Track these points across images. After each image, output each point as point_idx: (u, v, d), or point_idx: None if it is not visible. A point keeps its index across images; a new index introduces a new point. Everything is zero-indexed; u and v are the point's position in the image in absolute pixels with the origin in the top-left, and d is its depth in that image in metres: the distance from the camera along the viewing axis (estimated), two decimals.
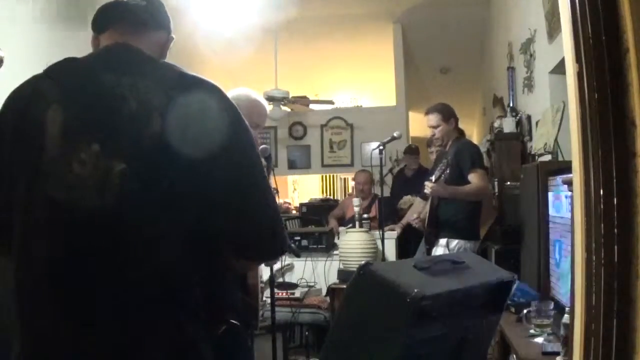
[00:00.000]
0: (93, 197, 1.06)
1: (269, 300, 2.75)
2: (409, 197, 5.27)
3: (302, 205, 7.30)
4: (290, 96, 6.53)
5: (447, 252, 3.33)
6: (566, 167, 1.68)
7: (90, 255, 1.06)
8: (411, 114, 8.24)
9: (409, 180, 5.82)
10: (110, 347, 1.06)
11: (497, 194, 4.14)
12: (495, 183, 4.16)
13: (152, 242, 1.07)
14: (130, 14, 1.22)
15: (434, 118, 3.54)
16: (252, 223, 1.15)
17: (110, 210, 1.05)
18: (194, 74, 1.19)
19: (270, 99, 6.36)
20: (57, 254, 1.07)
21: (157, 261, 1.07)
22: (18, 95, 1.17)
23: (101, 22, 1.24)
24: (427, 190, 3.34)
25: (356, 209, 4.25)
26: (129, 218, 1.06)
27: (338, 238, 4.44)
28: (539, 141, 3.60)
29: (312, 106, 7.34)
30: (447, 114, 3.53)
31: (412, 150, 5.99)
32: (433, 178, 3.29)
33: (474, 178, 3.32)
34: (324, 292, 4.15)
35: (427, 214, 3.53)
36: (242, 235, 1.15)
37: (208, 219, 1.10)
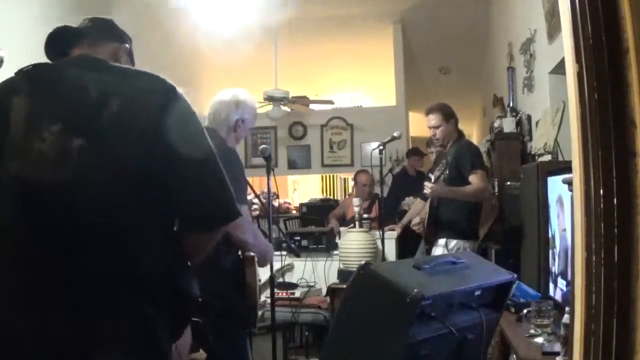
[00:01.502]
0: (52, 169, 1.16)
1: (269, 300, 2.75)
2: (411, 198, 5.27)
3: (302, 205, 7.31)
4: (290, 96, 6.53)
5: (446, 252, 3.33)
6: (566, 167, 1.68)
7: (51, 226, 1.15)
8: (411, 114, 8.24)
9: (411, 180, 5.84)
10: (71, 328, 1.12)
11: (497, 194, 4.14)
12: (495, 183, 4.16)
13: (109, 212, 1.16)
14: (81, 35, 1.39)
15: (434, 118, 3.53)
16: (200, 192, 1.26)
17: (69, 182, 1.15)
18: (146, 70, 1.33)
19: (270, 99, 6.36)
20: (20, 227, 1.16)
21: (114, 233, 1.16)
22: None
23: (58, 48, 1.39)
24: (426, 191, 3.34)
25: (356, 209, 4.25)
26: (87, 189, 1.15)
27: (339, 238, 4.44)
28: (539, 141, 3.60)
29: (312, 106, 7.33)
30: (448, 114, 3.53)
31: (418, 152, 6.04)
32: (432, 178, 3.29)
33: (474, 179, 3.32)
34: (324, 292, 4.14)
35: (427, 214, 3.53)
36: (190, 203, 1.25)
37: (164, 196, 1.21)
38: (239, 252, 2.39)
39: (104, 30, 1.44)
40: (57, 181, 1.15)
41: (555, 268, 2.44)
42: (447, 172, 3.21)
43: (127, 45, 1.47)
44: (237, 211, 1.33)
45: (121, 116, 1.20)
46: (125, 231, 1.17)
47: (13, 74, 1.31)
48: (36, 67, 1.31)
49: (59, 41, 1.39)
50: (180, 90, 1.33)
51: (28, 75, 1.28)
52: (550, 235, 2.53)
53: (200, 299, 1.42)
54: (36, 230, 1.15)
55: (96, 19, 1.46)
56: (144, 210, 1.19)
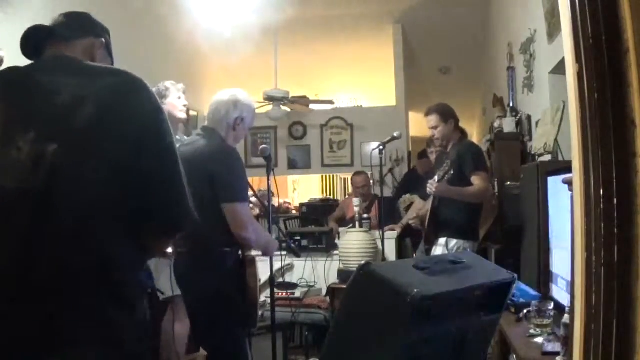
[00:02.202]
0: (27, 175, 1.18)
1: (269, 300, 2.75)
2: (408, 195, 5.27)
3: (302, 205, 7.30)
4: (290, 96, 6.52)
5: (446, 251, 3.32)
6: (566, 167, 1.68)
7: (23, 229, 1.17)
8: (411, 114, 8.24)
9: (421, 180, 5.85)
10: (34, 321, 1.15)
11: (497, 193, 4.14)
12: (495, 183, 4.16)
13: (82, 215, 1.20)
14: (55, 32, 1.40)
15: (432, 119, 3.54)
16: (164, 198, 1.31)
17: (43, 185, 1.18)
18: (119, 68, 1.35)
19: (270, 99, 6.36)
20: None
21: (85, 234, 1.19)
22: None
23: (34, 47, 1.41)
24: (430, 190, 3.34)
25: (356, 209, 4.25)
26: (61, 192, 1.18)
27: (339, 239, 4.44)
28: (539, 141, 3.60)
29: (312, 106, 7.33)
30: (446, 115, 3.53)
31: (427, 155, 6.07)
32: (436, 178, 3.29)
33: (476, 180, 3.33)
34: (324, 292, 4.15)
35: (428, 214, 3.53)
36: (156, 209, 1.30)
37: (129, 198, 1.25)
38: (239, 253, 2.40)
39: (78, 26, 1.45)
40: (30, 186, 1.18)
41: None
42: (451, 172, 3.21)
43: (102, 40, 1.47)
44: (191, 220, 1.37)
45: (93, 119, 1.22)
46: (94, 231, 1.21)
47: None
48: (7, 73, 1.33)
49: (32, 41, 1.41)
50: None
51: (0, 82, 1.31)
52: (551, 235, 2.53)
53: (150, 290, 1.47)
54: (7, 232, 1.18)
55: (71, 13, 1.46)
56: (112, 210, 1.23)
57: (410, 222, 3.70)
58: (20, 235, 1.17)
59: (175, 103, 2.79)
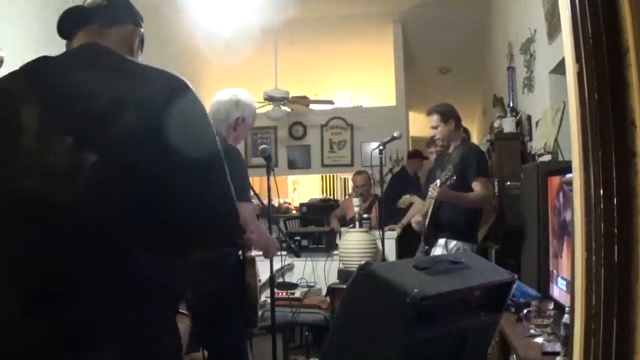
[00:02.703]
0: (65, 186, 1.10)
1: (269, 300, 2.75)
2: (407, 196, 5.27)
3: (302, 205, 7.30)
4: (290, 96, 6.52)
5: (445, 252, 3.33)
6: (566, 167, 1.68)
7: (58, 243, 1.10)
8: (411, 114, 8.24)
9: (409, 180, 5.86)
10: (62, 335, 1.09)
11: (497, 194, 4.14)
12: (495, 183, 4.16)
13: (118, 231, 1.11)
14: (93, 15, 1.29)
15: (433, 119, 3.55)
16: (211, 215, 1.21)
17: (82, 199, 1.10)
18: (167, 70, 1.24)
19: (270, 99, 6.36)
20: (27, 243, 1.11)
21: (123, 252, 1.11)
22: None
23: (67, 28, 1.30)
24: (432, 195, 3.35)
25: (356, 209, 4.25)
26: (100, 207, 1.10)
27: (340, 238, 4.44)
28: (539, 141, 3.60)
29: (312, 106, 7.33)
30: (446, 115, 3.53)
31: (418, 154, 6.09)
32: (438, 182, 3.29)
33: (477, 186, 3.33)
34: (324, 292, 4.14)
35: (429, 214, 3.54)
36: (201, 226, 1.21)
37: (172, 210, 1.15)
38: (240, 253, 2.39)
39: (119, 10, 1.33)
40: (69, 197, 1.10)
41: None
42: (454, 177, 3.22)
43: (141, 29, 1.36)
44: (238, 233, 1.31)
45: (135, 129, 1.12)
46: (133, 248, 1.12)
47: (11, 73, 1.24)
48: (40, 66, 1.22)
49: (69, 23, 1.29)
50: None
51: (32, 76, 1.21)
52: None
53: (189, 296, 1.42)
54: (42, 245, 1.11)
55: None
56: (150, 224, 1.14)
57: (414, 226, 3.70)
58: (53, 246, 1.10)
59: None
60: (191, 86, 1.23)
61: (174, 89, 1.19)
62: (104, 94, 1.14)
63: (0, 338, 1.12)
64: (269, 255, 2.60)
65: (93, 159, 1.10)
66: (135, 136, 1.12)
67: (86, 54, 1.24)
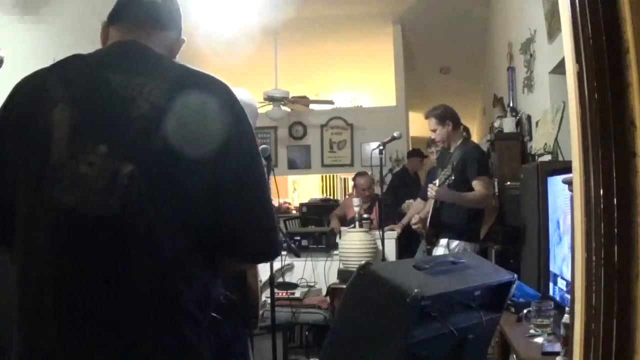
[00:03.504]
0: (100, 198, 1.03)
1: (269, 300, 2.75)
2: (411, 201, 5.26)
3: (302, 205, 7.30)
4: (290, 96, 6.53)
5: (447, 252, 3.33)
6: (566, 167, 1.68)
7: (94, 258, 1.04)
8: (411, 114, 8.24)
9: (410, 179, 5.87)
10: (105, 353, 1.04)
11: (497, 193, 4.14)
12: (495, 183, 4.17)
13: (157, 245, 1.06)
14: (145, 10, 1.20)
15: (430, 122, 3.58)
16: (253, 228, 1.14)
17: (117, 212, 1.03)
18: (203, 71, 1.17)
19: (270, 99, 6.36)
20: (61, 256, 1.05)
21: (161, 265, 1.06)
22: (23, 90, 1.15)
23: (116, 13, 1.23)
24: (431, 194, 3.35)
25: (356, 209, 4.25)
26: (136, 220, 1.04)
27: (340, 237, 4.44)
28: (539, 141, 3.60)
29: (312, 106, 7.33)
30: (442, 117, 3.54)
31: (418, 153, 6.10)
32: (437, 182, 3.30)
33: (477, 185, 3.33)
34: (324, 292, 4.14)
35: (429, 215, 3.54)
36: (243, 239, 1.14)
37: (212, 222, 1.09)
38: None
39: (171, 14, 1.25)
40: (104, 210, 1.03)
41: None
42: (453, 177, 3.22)
43: (184, 39, 1.29)
44: (278, 248, 1.24)
45: (175, 138, 1.05)
46: (172, 261, 1.07)
47: (41, 70, 1.16)
48: (74, 65, 1.14)
49: (122, 10, 1.22)
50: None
51: (65, 77, 1.12)
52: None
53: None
54: (77, 259, 1.05)
55: None
56: (191, 240, 1.08)
57: (414, 226, 3.70)
58: (87, 260, 1.04)
59: None
60: (231, 89, 1.16)
61: (217, 98, 1.12)
62: (141, 99, 1.07)
63: (34, 356, 1.07)
64: None
65: (129, 169, 1.04)
66: (170, 145, 1.05)
67: (124, 54, 1.16)
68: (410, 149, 7.25)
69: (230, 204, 1.11)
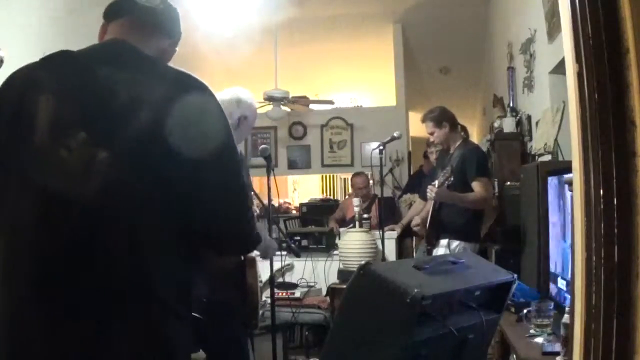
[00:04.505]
0: (77, 182, 1.09)
1: (269, 300, 2.75)
2: (409, 195, 5.27)
3: (302, 205, 7.30)
4: (290, 96, 6.52)
5: (448, 252, 3.33)
6: (566, 167, 1.68)
7: (69, 239, 1.09)
8: (411, 114, 8.23)
9: (425, 177, 5.88)
10: (83, 339, 1.08)
11: (497, 193, 4.14)
12: (495, 183, 4.17)
13: (132, 229, 1.10)
14: (142, 13, 1.25)
15: (427, 125, 3.60)
16: (226, 221, 1.20)
17: (92, 196, 1.09)
18: (189, 72, 1.22)
19: (270, 99, 6.35)
20: (40, 237, 1.11)
21: (135, 250, 1.10)
22: (13, 83, 1.20)
23: (113, 11, 1.27)
24: (430, 195, 3.35)
25: (356, 209, 4.25)
26: (110, 205, 1.09)
27: (339, 238, 4.44)
28: (539, 141, 3.60)
29: (312, 106, 7.33)
30: (438, 119, 3.54)
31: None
32: (437, 183, 3.30)
33: (477, 187, 3.34)
34: (324, 292, 4.14)
35: (429, 215, 3.54)
36: (216, 231, 1.20)
37: (187, 214, 1.14)
38: None
39: (168, 21, 1.29)
40: (81, 194, 1.08)
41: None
42: (452, 179, 3.22)
43: (177, 49, 1.34)
44: (254, 241, 1.29)
45: (152, 128, 1.11)
46: (147, 248, 1.11)
47: (31, 64, 1.21)
48: (62, 58, 1.18)
49: (117, 7, 1.26)
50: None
51: (54, 67, 1.18)
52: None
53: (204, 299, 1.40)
54: (55, 242, 1.10)
55: (166, 2, 1.29)
56: (166, 227, 1.13)
57: (415, 228, 3.70)
58: (66, 245, 1.09)
59: None
60: (210, 88, 1.21)
61: (192, 92, 1.17)
62: (122, 91, 1.12)
63: (16, 336, 1.11)
64: (267, 256, 2.59)
65: (104, 155, 1.09)
66: (149, 135, 1.10)
67: (111, 51, 1.21)
68: (410, 149, 7.26)
69: (205, 197, 1.16)
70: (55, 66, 1.18)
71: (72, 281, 1.08)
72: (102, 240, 1.09)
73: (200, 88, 1.20)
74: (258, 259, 2.49)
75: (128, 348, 1.10)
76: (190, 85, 1.19)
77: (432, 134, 3.58)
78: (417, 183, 5.93)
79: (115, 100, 1.11)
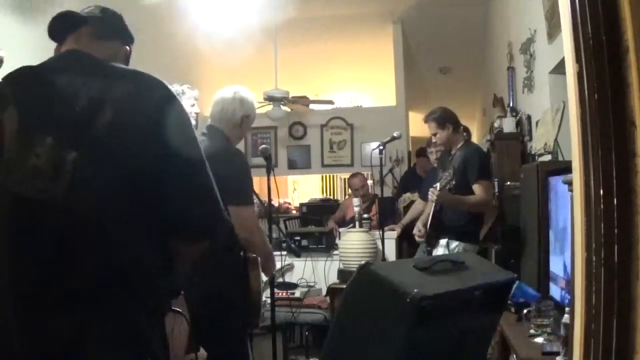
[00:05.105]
0: (48, 185, 1.14)
1: (269, 300, 2.75)
2: (408, 194, 5.26)
3: (302, 205, 7.30)
4: (290, 96, 6.52)
5: (447, 253, 3.33)
6: (566, 167, 1.68)
7: (44, 241, 1.14)
8: (411, 114, 8.23)
9: (418, 180, 5.87)
10: (59, 335, 1.12)
11: (497, 193, 4.14)
12: (495, 183, 4.16)
13: (103, 227, 1.15)
14: (86, 24, 1.33)
15: (430, 126, 3.58)
16: (193, 211, 1.25)
17: (63, 196, 1.14)
18: (144, 72, 1.28)
19: (270, 99, 6.35)
20: (18, 241, 1.15)
21: (108, 247, 1.16)
22: None
23: (59, 31, 1.35)
24: (431, 198, 3.35)
25: (356, 209, 4.25)
26: (81, 203, 1.14)
27: (339, 238, 4.44)
28: (539, 141, 3.60)
29: (312, 106, 7.32)
30: (441, 121, 3.54)
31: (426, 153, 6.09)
32: (438, 186, 3.30)
33: (478, 190, 3.33)
34: (324, 292, 4.14)
35: (430, 216, 3.54)
36: (184, 221, 1.25)
37: (156, 205, 1.19)
38: (241, 253, 2.39)
39: (112, 26, 1.37)
40: (52, 196, 1.14)
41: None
42: (454, 182, 3.22)
43: (128, 48, 1.41)
44: (217, 231, 1.34)
45: (114, 124, 1.17)
46: (118, 242, 1.17)
47: None
48: (22, 73, 1.26)
49: (60, 26, 1.34)
50: (178, 88, 1.29)
51: (14, 83, 1.25)
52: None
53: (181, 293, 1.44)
54: (29, 243, 1.15)
55: (107, 10, 1.38)
56: (137, 220, 1.19)
57: (416, 235, 3.69)
58: (42, 246, 1.14)
59: (187, 109, 2.76)
60: (167, 84, 1.27)
61: (147, 88, 1.24)
62: (81, 95, 1.19)
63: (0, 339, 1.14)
64: (267, 266, 2.51)
65: (73, 155, 1.15)
66: (112, 133, 1.16)
67: (67, 60, 1.28)
68: (411, 149, 7.25)
69: (172, 190, 1.22)
70: (16, 80, 1.25)
71: (45, 281, 1.13)
72: (73, 238, 1.14)
73: (158, 85, 1.26)
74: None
75: (102, 342, 1.14)
76: (147, 82, 1.26)
77: (434, 135, 3.58)
78: (410, 181, 5.94)
79: (77, 104, 1.18)
